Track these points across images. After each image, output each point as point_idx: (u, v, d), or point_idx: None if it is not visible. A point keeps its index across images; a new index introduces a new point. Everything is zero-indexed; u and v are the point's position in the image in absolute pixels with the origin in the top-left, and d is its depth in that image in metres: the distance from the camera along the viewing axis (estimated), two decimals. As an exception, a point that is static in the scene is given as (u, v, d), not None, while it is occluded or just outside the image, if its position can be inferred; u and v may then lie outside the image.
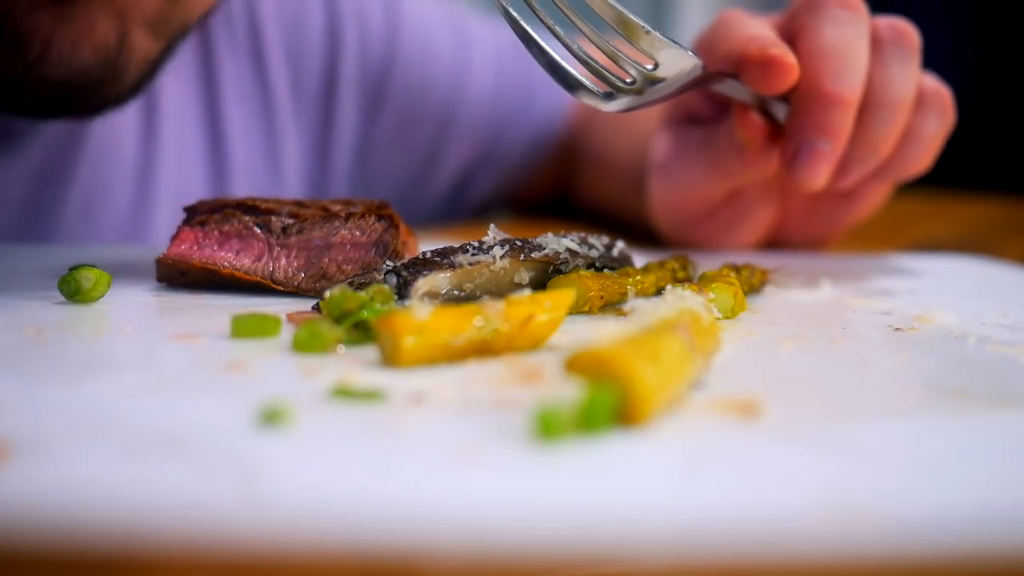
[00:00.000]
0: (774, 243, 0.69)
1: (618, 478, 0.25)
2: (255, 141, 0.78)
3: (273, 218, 0.47)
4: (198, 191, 0.75)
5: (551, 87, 0.90)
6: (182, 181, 0.74)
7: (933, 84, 0.58)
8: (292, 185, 0.80)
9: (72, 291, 0.43)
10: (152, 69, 0.57)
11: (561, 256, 0.44)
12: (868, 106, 0.56)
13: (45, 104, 0.55)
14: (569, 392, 0.29)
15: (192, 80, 0.76)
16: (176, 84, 0.74)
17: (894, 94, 0.56)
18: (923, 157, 0.59)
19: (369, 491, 0.24)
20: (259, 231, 0.46)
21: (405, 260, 0.43)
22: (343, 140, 0.83)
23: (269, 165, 0.79)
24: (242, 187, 0.77)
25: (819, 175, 0.55)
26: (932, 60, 0.60)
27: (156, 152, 0.72)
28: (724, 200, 0.64)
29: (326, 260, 0.46)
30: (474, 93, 0.87)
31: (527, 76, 0.88)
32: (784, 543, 0.22)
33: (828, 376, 0.36)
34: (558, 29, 0.49)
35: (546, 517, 0.23)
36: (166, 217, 0.72)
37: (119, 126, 0.70)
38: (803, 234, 0.68)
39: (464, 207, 0.92)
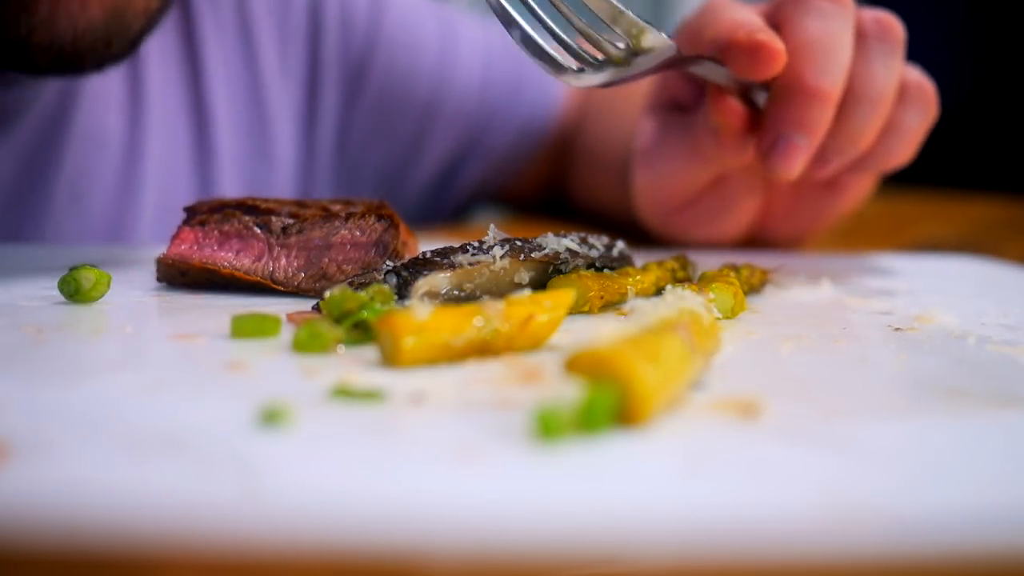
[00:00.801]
0: (758, 236, 0.68)
1: (618, 478, 0.25)
2: (240, 124, 0.78)
3: (273, 218, 0.47)
4: (183, 175, 0.75)
5: (540, 81, 0.90)
6: (167, 166, 0.74)
7: (916, 77, 0.58)
8: (278, 168, 0.80)
9: (72, 291, 0.42)
10: (150, 23, 0.57)
11: (561, 256, 0.44)
12: (850, 99, 0.56)
13: (52, 63, 0.55)
14: (569, 392, 0.29)
15: (176, 63, 0.76)
16: (161, 67, 0.74)
17: (876, 88, 0.56)
18: (904, 149, 0.60)
19: (369, 491, 0.24)
20: (259, 231, 0.46)
21: (405, 260, 0.43)
22: (326, 123, 0.83)
23: (255, 148, 0.79)
24: (227, 172, 0.76)
25: (794, 167, 0.56)
26: (931, 60, 0.60)
27: (141, 136, 0.72)
28: (707, 188, 0.64)
29: (326, 260, 0.46)
30: (459, 84, 0.86)
31: (516, 71, 0.88)
32: (784, 543, 0.22)
33: (828, 376, 0.36)
34: (535, 7, 0.49)
35: (546, 517, 0.23)
36: (152, 203, 0.72)
37: (105, 110, 0.71)
38: (787, 227, 0.68)
39: (450, 199, 0.92)
